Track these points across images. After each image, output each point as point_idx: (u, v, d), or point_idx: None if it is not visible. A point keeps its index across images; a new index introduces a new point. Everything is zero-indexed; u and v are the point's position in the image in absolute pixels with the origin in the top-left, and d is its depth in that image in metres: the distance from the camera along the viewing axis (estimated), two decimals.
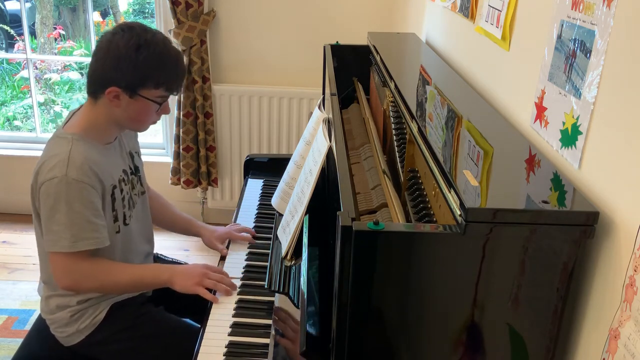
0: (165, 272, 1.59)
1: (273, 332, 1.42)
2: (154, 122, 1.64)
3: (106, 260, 1.56)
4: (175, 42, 1.92)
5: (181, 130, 3.07)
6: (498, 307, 0.91)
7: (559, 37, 1.06)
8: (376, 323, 0.93)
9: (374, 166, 1.44)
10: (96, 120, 1.56)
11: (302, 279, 1.29)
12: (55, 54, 5.84)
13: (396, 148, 1.34)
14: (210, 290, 1.56)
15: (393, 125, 1.39)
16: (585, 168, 0.95)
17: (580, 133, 0.96)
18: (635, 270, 0.79)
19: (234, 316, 1.49)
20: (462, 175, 0.92)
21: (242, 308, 1.52)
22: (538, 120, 1.12)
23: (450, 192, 0.90)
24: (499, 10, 1.38)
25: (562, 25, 1.04)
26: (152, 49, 1.49)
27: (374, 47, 1.85)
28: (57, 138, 1.54)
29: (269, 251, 1.70)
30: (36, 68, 5.20)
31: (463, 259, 0.88)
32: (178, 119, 3.06)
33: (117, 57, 1.47)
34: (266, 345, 1.39)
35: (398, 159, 1.32)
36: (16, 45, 5.66)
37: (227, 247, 1.82)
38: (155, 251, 1.88)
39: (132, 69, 1.48)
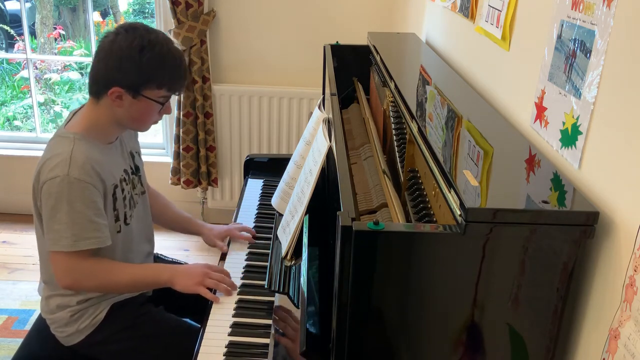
0: (166, 271, 1.59)
1: (273, 332, 1.42)
2: (156, 122, 1.64)
3: (107, 259, 1.56)
4: (176, 42, 1.91)
5: (181, 130, 3.07)
6: (498, 307, 0.91)
7: (559, 37, 1.06)
8: (376, 323, 0.93)
9: (374, 166, 1.44)
10: (98, 120, 1.56)
11: (302, 279, 1.29)
12: (55, 54, 5.84)
13: (396, 148, 1.34)
14: (210, 289, 1.56)
15: (393, 125, 1.39)
16: (585, 168, 0.95)
17: (580, 133, 0.96)
18: (635, 270, 0.79)
19: (234, 316, 1.49)
20: (462, 175, 0.92)
21: (242, 308, 1.53)
22: (538, 120, 1.12)
23: (450, 192, 0.90)
24: (499, 10, 1.38)
25: (562, 25, 1.04)
26: (155, 49, 1.49)
27: (374, 47, 1.85)
28: (59, 137, 1.54)
29: (269, 251, 1.70)
30: (36, 68, 5.20)
31: (463, 259, 0.88)
32: (178, 119, 3.06)
33: (120, 58, 1.48)
34: (266, 345, 1.39)
35: (398, 159, 1.32)
36: (16, 45, 5.66)
37: (228, 246, 1.82)
38: (155, 251, 1.88)
39: (136, 70, 1.48)
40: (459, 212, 0.85)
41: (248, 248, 1.81)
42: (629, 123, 0.83)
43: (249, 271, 1.68)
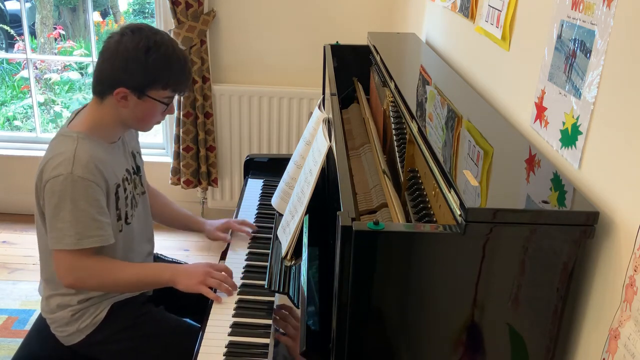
0: (168, 271, 1.60)
1: (273, 331, 1.42)
2: (158, 122, 1.66)
3: (109, 258, 1.56)
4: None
5: (181, 130, 3.07)
6: (498, 307, 0.91)
7: (559, 37, 1.06)
8: (376, 323, 0.93)
9: (374, 166, 1.44)
10: (102, 119, 1.57)
11: (302, 279, 1.29)
12: (55, 54, 5.84)
13: (396, 148, 1.34)
14: (212, 289, 1.56)
15: (393, 125, 1.39)
16: (585, 168, 0.95)
17: (580, 133, 0.96)
18: (635, 270, 0.79)
19: (234, 316, 1.49)
20: (462, 175, 0.92)
21: (242, 308, 1.53)
22: (538, 120, 1.12)
23: (450, 192, 0.90)
24: (499, 10, 1.38)
25: (562, 25, 1.04)
26: (161, 50, 1.50)
27: (374, 47, 1.85)
28: (62, 136, 1.55)
29: (269, 251, 1.70)
30: (36, 68, 5.20)
31: (463, 259, 0.88)
32: (178, 119, 3.07)
33: (126, 59, 1.49)
34: (266, 345, 1.39)
35: (398, 159, 1.32)
36: (16, 45, 5.66)
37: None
38: (155, 251, 1.88)
39: (142, 71, 1.49)
40: (459, 212, 0.85)
41: (248, 248, 1.81)
42: (629, 123, 0.83)
43: (249, 271, 1.68)
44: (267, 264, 1.62)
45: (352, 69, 2.05)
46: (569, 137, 0.99)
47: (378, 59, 1.73)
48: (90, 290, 1.59)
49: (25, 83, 5.14)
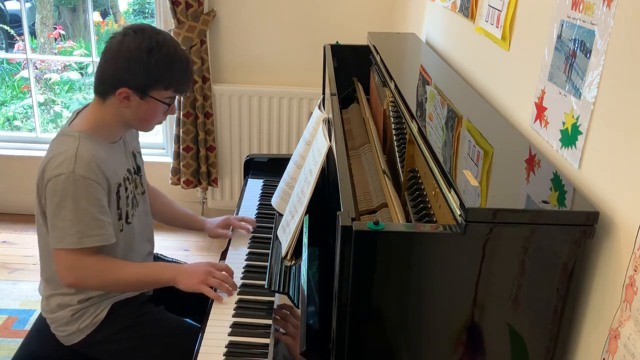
0: (169, 270, 1.60)
1: (273, 331, 1.42)
2: (160, 123, 1.67)
3: (111, 258, 1.57)
4: None
5: (181, 130, 3.07)
6: (498, 307, 0.91)
7: (559, 37, 1.06)
8: (376, 323, 0.93)
9: (374, 166, 1.44)
10: (104, 119, 1.57)
11: (302, 279, 1.29)
12: (55, 54, 5.84)
13: (396, 148, 1.34)
14: (213, 288, 1.56)
15: (393, 125, 1.39)
16: (585, 168, 0.95)
17: (580, 133, 0.96)
18: (635, 270, 0.79)
19: (234, 316, 1.49)
20: (462, 175, 0.92)
21: (242, 308, 1.52)
22: (538, 120, 1.12)
23: (450, 192, 0.90)
24: (499, 10, 1.38)
25: (562, 25, 1.04)
26: (163, 51, 1.51)
27: (374, 47, 1.85)
28: (64, 136, 1.55)
29: (269, 251, 1.70)
30: (36, 68, 5.20)
31: (463, 259, 0.88)
32: (178, 119, 3.07)
33: (129, 59, 1.49)
34: (266, 345, 1.39)
35: (398, 159, 1.32)
36: (16, 45, 5.66)
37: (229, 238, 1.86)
38: (155, 251, 1.88)
39: (144, 71, 1.50)
40: (459, 212, 0.85)
41: (248, 248, 1.82)
42: (629, 123, 0.83)
43: (249, 271, 1.69)
44: (267, 264, 1.62)
45: (352, 69, 2.05)
46: (569, 137, 0.99)
47: (378, 59, 1.73)
48: (91, 289, 1.59)
49: (25, 83, 5.14)
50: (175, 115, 3.06)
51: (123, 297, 1.65)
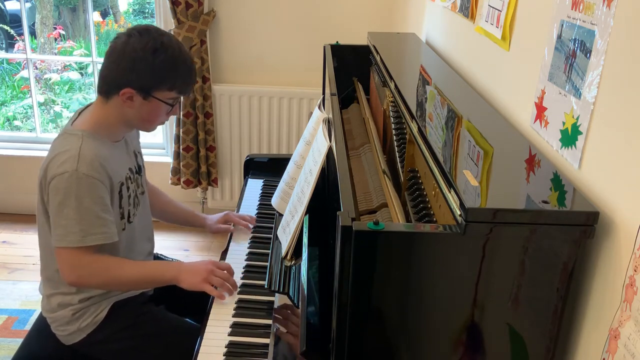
0: (171, 268, 1.60)
1: (273, 331, 1.42)
2: (162, 123, 1.68)
3: (112, 256, 1.57)
4: None
5: (181, 130, 3.07)
6: (498, 307, 0.91)
7: (559, 37, 1.06)
8: (376, 323, 0.93)
9: (374, 166, 1.44)
10: (107, 119, 1.58)
11: (302, 279, 1.29)
12: (55, 54, 5.84)
13: (396, 148, 1.34)
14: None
15: (393, 125, 1.39)
16: (585, 168, 0.95)
17: (580, 133, 0.96)
18: (635, 270, 0.79)
19: (234, 316, 1.50)
20: (462, 175, 0.92)
21: (242, 308, 1.53)
22: (538, 120, 1.12)
23: (450, 192, 0.90)
24: (499, 10, 1.38)
25: (562, 25, 1.04)
26: (168, 52, 1.52)
27: (374, 47, 1.85)
28: (67, 134, 1.55)
29: (269, 251, 1.70)
30: (36, 68, 5.20)
31: (463, 259, 0.88)
32: (178, 119, 3.07)
33: (134, 59, 1.50)
34: (266, 345, 1.39)
35: (398, 159, 1.32)
36: (16, 45, 5.66)
37: (229, 238, 1.87)
38: (155, 251, 1.88)
39: (149, 72, 1.51)
40: (459, 212, 0.85)
41: (248, 248, 1.82)
42: (629, 123, 0.83)
43: (249, 271, 1.69)
44: (267, 264, 1.62)
45: (352, 69, 2.05)
46: (569, 137, 0.99)
47: (378, 59, 1.73)
48: (93, 288, 1.59)
49: (25, 83, 5.14)
50: (175, 116, 3.06)
51: (123, 296, 1.65)
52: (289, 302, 1.41)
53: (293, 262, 1.50)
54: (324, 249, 1.29)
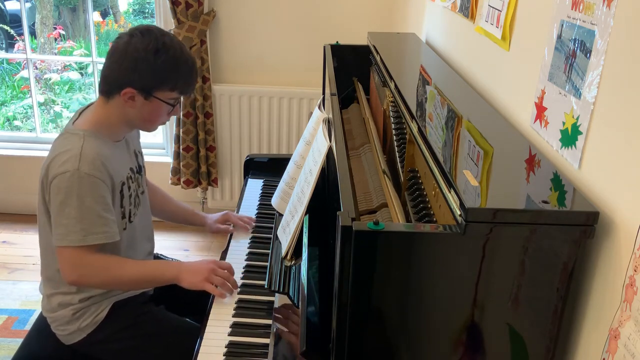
0: (172, 268, 1.60)
1: (273, 331, 1.42)
2: (163, 123, 1.68)
3: (113, 256, 1.57)
4: None
5: (181, 130, 3.07)
6: (498, 307, 0.91)
7: (559, 37, 1.06)
8: (376, 323, 0.93)
9: (374, 166, 1.44)
10: (108, 118, 1.58)
11: (302, 279, 1.29)
12: (55, 54, 5.84)
13: (396, 148, 1.34)
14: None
15: (393, 125, 1.39)
16: (585, 168, 0.95)
17: (580, 133, 0.96)
18: (635, 270, 0.79)
19: (234, 316, 1.50)
20: (462, 175, 0.92)
21: (242, 308, 1.53)
22: (538, 120, 1.12)
23: (450, 192, 0.90)
24: (499, 10, 1.38)
25: (562, 25, 1.04)
26: (170, 52, 1.52)
27: (374, 47, 1.85)
28: (68, 134, 1.56)
29: (269, 251, 1.70)
30: (36, 68, 5.20)
31: (463, 259, 0.88)
32: (178, 119, 3.07)
33: (136, 59, 1.50)
34: (266, 345, 1.39)
35: (398, 159, 1.32)
36: (16, 45, 5.66)
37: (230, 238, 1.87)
38: (155, 251, 1.88)
39: (150, 72, 1.51)
40: (459, 212, 0.85)
41: (248, 248, 1.82)
42: (629, 123, 0.83)
43: (249, 271, 1.69)
44: (267, 264, 1.62)
45: (352, 69, 2.05)
46: (569, 137, 0.99)
47: (378, 59, 1.73)
48: (93, 287, 1.59)
49: (25, 83, 5.14)
50: (175, 116, 3.06)
51: (124, 296, 1.65)
52: (289, 302, 1.41)
53: (293, 262, 1.50)
54: (324, 249, 1.29)
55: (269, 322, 1.47)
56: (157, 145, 3.45)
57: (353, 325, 0.92)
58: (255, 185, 2.21)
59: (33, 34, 5.73)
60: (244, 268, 1.70)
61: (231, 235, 1.89)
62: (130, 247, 1.66)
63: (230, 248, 1.82)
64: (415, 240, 0.88)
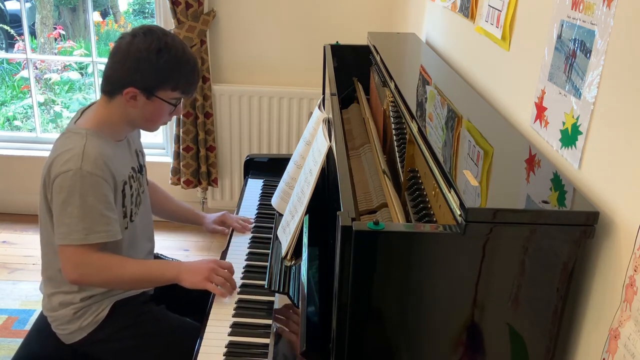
0: (173, 267, 1.60)
1: (273, 331, 1.42)
2: (165, 123, 1.68)
3: (115, 255, 1.57)
4: None
5: (181, 130, 3.07)
6: (498, 307, 0.91)
7: (559, 37, 1.06)
8: (376, 323, 0.93)
9: (374, 166, 1.44)
10: (110, 118, 1.58)
11: (302, 279, 1.29)
12: (55, 54, 5.84)
13: (396, 148, 1.34)
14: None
15: (393, 125, 1.39)
16: (585, 168, 0.95)
17: (580, 133, 0.96)
18: (635, 270, 0.79)
19: (234, 316, 1.50)
20: (462, 175, 0.92)
21: (242, 308, 1.53)
22: (538, 120, 1.12)
23: (450, 192, 0.90)
24: (499, 10, 1.38)
25: (562, 25, 1.04)
26: (172, 52, 1.52)
27: (374, 47, 1.85)
28: (70, 133, 1.56)
29: (269, 251, 1.70)
30: (36, 68, 5.20)
31: (463, 259, 0.88)
32: (178, 119, 3.07)
33: (138, 59, 1.50)
34: (266, 345, 1.39)
35: (398, 159, 1.32)
36: (16, 45, 5.66)
37: (230, 238, 1.87)
38: (155, 251, 1.89)
39: (153, 72, 1.51)
40: (459, 212, 0.85)
41: (248, 248, 1.82)
42: (629, 123, 0.83)
43: (249, 271, 1.69)
44: (267, 264, 1.62)
45: (352, 69, 2.05)
46: (569, 137, 0.99)
47: (378, 59, 1.73)
48: (95, 286, 1.59)
49: (25, 83, 5.14)
50: (177, 116, 3.06)
51: (124, 295, 1.65)
52: (289, 302, 1.41)
53: (293, 262, 1.50)
54: (324, 249, 1.29)
55: (269, 322, 1.47)
56: (157, 145, 3.45)
57: (353, 325, 0.92)
58: (255, 185, 2.22)
59: (33, 34, 5.73)
60: (244, 268, 1.70)
61: (231, 235, 1.90)
62: (131, 246, 1.66)
63: (230, 248, 1.82)
64: (415, 240, 0.88)
